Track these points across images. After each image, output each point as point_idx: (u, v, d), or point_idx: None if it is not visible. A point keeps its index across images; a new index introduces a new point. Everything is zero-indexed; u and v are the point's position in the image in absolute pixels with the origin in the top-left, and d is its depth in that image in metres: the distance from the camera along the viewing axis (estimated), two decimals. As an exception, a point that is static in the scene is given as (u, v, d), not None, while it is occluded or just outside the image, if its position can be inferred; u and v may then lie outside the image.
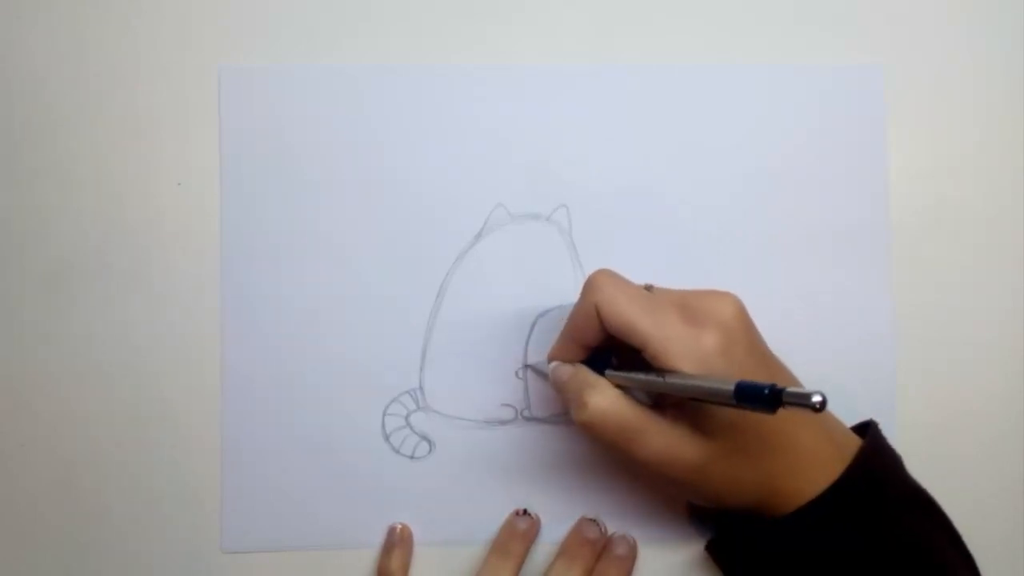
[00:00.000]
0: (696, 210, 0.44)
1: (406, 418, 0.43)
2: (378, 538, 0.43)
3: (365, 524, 0.43)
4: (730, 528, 0.41)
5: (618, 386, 0.37)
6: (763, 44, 0.45)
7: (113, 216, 0.44)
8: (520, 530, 0.42)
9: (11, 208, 0.44)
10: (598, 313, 0.37)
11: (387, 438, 0.43)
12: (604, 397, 0.37)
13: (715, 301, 0.37)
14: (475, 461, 0.43)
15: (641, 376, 0.36)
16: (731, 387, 0.32)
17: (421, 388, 0.44)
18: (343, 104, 0.44)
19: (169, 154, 0.44)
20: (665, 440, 0.36)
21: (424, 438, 0.43)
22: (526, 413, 0.44)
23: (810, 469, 0.37)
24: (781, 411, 0.31)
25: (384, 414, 0.43)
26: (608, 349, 0.39)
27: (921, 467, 0.39)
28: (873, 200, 0.45)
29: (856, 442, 0.38)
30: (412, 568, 0.43)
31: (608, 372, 0.38)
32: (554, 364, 0.40)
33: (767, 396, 0.31)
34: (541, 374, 0.43)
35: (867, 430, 0.39)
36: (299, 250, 0.44)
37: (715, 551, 0.41)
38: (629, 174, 0.44)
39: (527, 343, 0.44)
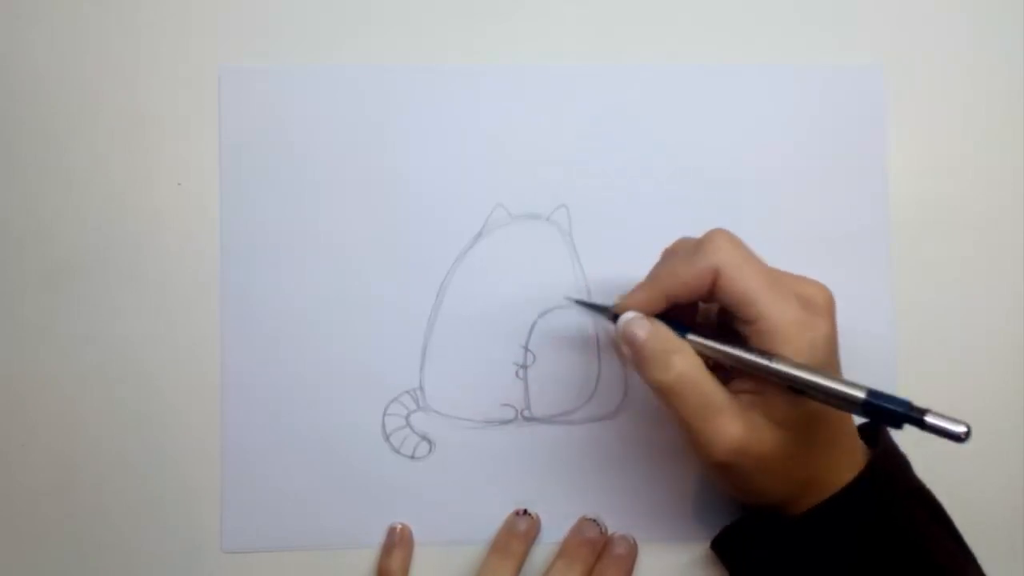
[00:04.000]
0: (696, 210, 0.44)
1: (406, 418, 0.43)
2: (378, 538, 0.43)
3: (365, 524, 0.43)
4: (739, 526, 0.40)
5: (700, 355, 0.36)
6: (763, 44, 0.45)
7: (113, 216, 0.44)
8: (520, 530, 0.42)
9: (11, 208, 0.44)
10: (716, 276, 0.35)
11: (387, 438, 0.43)
12: (690, 364, 0.35)
13: (818, 289, 0.36)
14: (475, 461, 0.43)
15: (744, 355, 0.35)
16: (861, 395, 0.31)
17: (421, 388, 0.44)
18: (343, 104, 0.44)
19: (169, 154, 0.44)
20: (742, 425, 0.35)
21: (424, 438, 0.43)
22: (526, 413, 0.44)
23: (843, 464, 0.37)
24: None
25: (384, 414, 0.43)
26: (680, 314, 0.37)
27: (921, 467, 0.39)
28: (873, 200, 0.45)
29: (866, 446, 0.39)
30: (412, 568, 0.43)
31: (691, 337, 0.36)
32: (632, 315, 0.37)
33: (903, 416, 0.30)
34: (595, 314, 0.40)
35: (872, 431, 0.39)
36: (299, 250, 0.44)
37: (721, 548, 0.41)
38: (629, 174, 0.44)
39: (527, 343, 0.44)
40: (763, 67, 0.45)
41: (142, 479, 0.43)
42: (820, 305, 0.36)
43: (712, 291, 0.36)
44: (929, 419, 0.30)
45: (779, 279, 0.36)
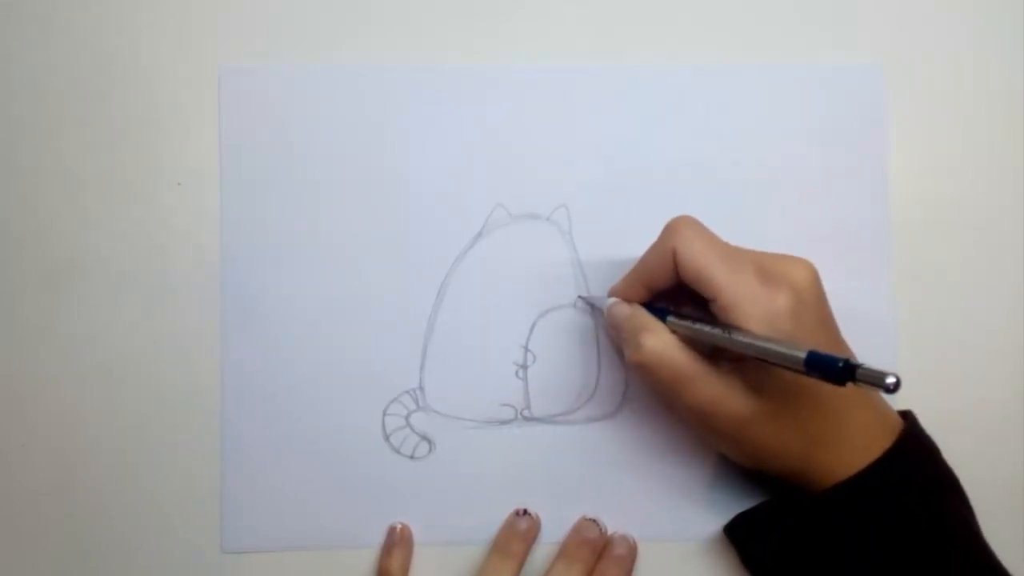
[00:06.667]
0: (696, 210, 0.44)
1: (406, 418, 0.43)
2: (378, 538, 0.43)
3: (365, 524, 0.43)
4: (754, 511, 0.40)
5: (676, 334, 0.37)
6: (763, 44, 0.45)
7: (113, 216, 0.44)
8: (520, 530, 0.42)
9: (11, 208, 0.44)
10: (674, 257, 0.37)
11: (387, 438, 0.43)
12: (660, 340, 0.37)
13: (792, 265, 0.37)
14: (475, 461, 0.43)
15: (706, 329, 0.36)
16: (802, 355, 0.32)
17: (421, 388, 0.44)
18: (343, 104, 0.44)
19: (169, 154, 0.44)
20: (715, 390, 0.36)
21: (424, 438, 0.43)
22: (526, 413, 0.44)
23: (856, 443, 0.37)
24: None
25: (384, 414, 0.43)
26: (665, 302, 0.39)
27: (921, 467, 0.39)
28: (873, 200, 0.45)
29: (901, 424, 0.39)
30: (412, 568, 0.43)
31: (670, 319, 0.38)
32: (613, 301, 0.41)
33: (840, 370, 0.31)
34: (596, 308, 0.43)
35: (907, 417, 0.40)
36: (299, 250, 0.44)
37: (734, 534, 0.41)
38: (629, 174, 0.44)
39: (527, 343, 0.44)
40: (763, 67, 0.45)
41: (142, 479, 0.43)
42: (785, 279, 0.36)
43: (678, 274, 0.38)
44: (859, 374, 0.31)
45: (736, 255, 0.37)
